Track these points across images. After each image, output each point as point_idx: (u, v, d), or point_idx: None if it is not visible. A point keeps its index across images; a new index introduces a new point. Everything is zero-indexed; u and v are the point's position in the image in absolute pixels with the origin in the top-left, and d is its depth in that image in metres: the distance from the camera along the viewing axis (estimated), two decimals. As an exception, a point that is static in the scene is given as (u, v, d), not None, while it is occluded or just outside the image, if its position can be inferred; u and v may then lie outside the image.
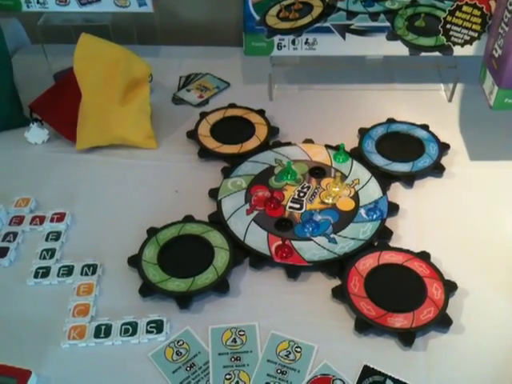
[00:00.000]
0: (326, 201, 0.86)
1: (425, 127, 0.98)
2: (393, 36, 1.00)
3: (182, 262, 0.78)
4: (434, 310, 0.70)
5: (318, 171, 0.91)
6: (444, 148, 0.94)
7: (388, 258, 0.76)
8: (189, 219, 0.84)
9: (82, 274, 0.77)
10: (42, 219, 0.85)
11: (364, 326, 0.69)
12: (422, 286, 0.73)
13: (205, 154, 0.96)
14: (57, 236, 0.83)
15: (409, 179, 0.90)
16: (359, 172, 0.90)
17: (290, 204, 0.85)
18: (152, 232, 0.81)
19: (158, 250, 0.79)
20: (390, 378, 0.65)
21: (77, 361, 0.69)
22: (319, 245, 0.79)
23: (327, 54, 1.03)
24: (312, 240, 0.80)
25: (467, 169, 0.93)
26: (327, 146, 0.95)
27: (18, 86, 1.03)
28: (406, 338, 0.68)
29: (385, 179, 0.89)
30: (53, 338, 0.70)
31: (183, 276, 0.75)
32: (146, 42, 1.24)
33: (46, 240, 0.83)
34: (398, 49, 1.01)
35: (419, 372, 0.66)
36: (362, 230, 0.81)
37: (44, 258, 0.80)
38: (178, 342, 0.70)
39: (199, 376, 0.66)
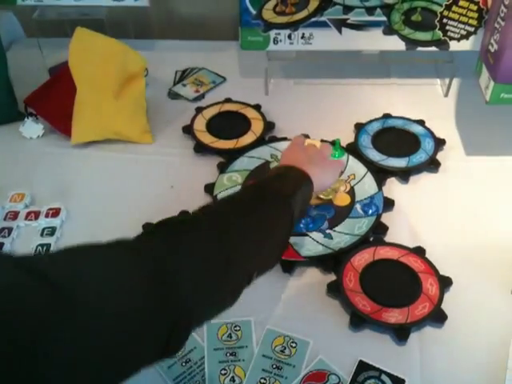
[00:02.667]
0: (322, 196, 0.85)
1: (421, 122, 0.98)
2: (389, 30, 1.00)
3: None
4: (428, 306, 0.70)
5: (314, 166, 0.91)
6: (440, 143, 0.94)
7: (383, 253, 0.77)
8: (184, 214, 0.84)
9: (77, 269, 0.77)
10: (36, 214, 0.85)
11: (359, 321, 0.70)
12: (417, 281, 0.73)
13: (201, 149, 0.96)
14: (52, 231, 0.83)
15: (404, 174, 0.90)
16: (355, 167, 0.90)
17: None
18: (147, 227, 0.81)
19: (154, 246, 0.78)
20: (385, 372, 0.65)
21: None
22: (315, 240, 0.79)
23: (323, 48, 1.02)
24: (307, 235, 0.80)
25: (463, 163, 0.93)
26: (323, 142, 0.95)
27: (12, 79, 1.02)
28: (401, 333, 0.68)
29: (380, 174, 0.89)
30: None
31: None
32: (142, 36, 1.24)
33: (41, 235, 0.82)
34: (395, 43, 1.01)
35: (414, 367, 0.66)
36: (358, 226, 0.81)
37: (39, 254, 0.79)
38: (174, 337, 0.70)
39: (195, 371, 0.66)
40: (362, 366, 0.66)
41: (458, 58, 1.04)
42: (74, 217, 0.86)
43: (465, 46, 0.99)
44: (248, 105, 1.03)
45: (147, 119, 1.00)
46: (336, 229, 0.81)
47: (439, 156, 0.92)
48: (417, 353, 0.68)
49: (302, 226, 0.81)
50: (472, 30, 0.97)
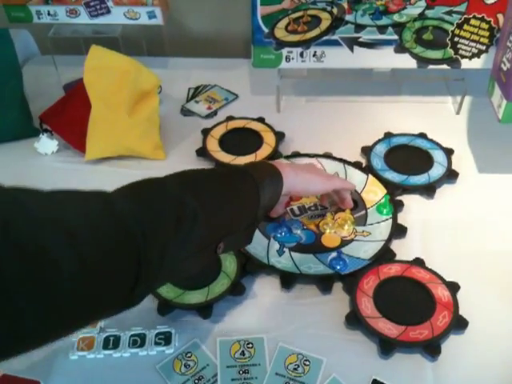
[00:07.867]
0: (321, 227, 0.84)
1: (426, 137, 0.99)
2: (401, 49, 1.00)
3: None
4: (448, 314, 0.70)
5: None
6: (450, 153, 0.95)
7: (387, 271, 0.76)
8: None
9: (90, 284, 0.77)
10: (51, 229, 0.85)
11: (389, 346, 0.68)
12: (427, 291, 0.73)
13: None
14: (66, 246, 0.83)
15: (429, 190, 0.89)
16: (380, 229, 0.83)
17: (293, 206, 0.86)
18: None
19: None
20: (399, 392, 0.65)
21: (85, 372, 0.68)
22: (267, 248, 0.80)
23: (335, 66, 1.03)
24: (269, 240, 0.81)
25: (475, 181, 0.93)
26: (390, 194, 0.88)
27: (27, 96, 1.03)
28: (432, 348, 0.68)
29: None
30: (61, 349, 0.70)
31: (197, 287, 0.75)
32: (155, 53, 1.25)
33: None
34: (406, 61, 1.01)
35: (428, 386, 0.66)
36: (310, 265, 0.78)
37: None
38: (187, 354, 0.69)
39: (207, 389, 0.66)
40: (376, 385, 0.65)
41: (470, 75, 1.04)
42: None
43: (476, 64, 1.00)
44: (252, 119, 1.04)
45: (160, 135, 1.01)
46: (294, 254, 0.79)
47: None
48: (430, 371, 0.67)
49: (275, 232, 0.82)
50: (483, 48, 0.98)
